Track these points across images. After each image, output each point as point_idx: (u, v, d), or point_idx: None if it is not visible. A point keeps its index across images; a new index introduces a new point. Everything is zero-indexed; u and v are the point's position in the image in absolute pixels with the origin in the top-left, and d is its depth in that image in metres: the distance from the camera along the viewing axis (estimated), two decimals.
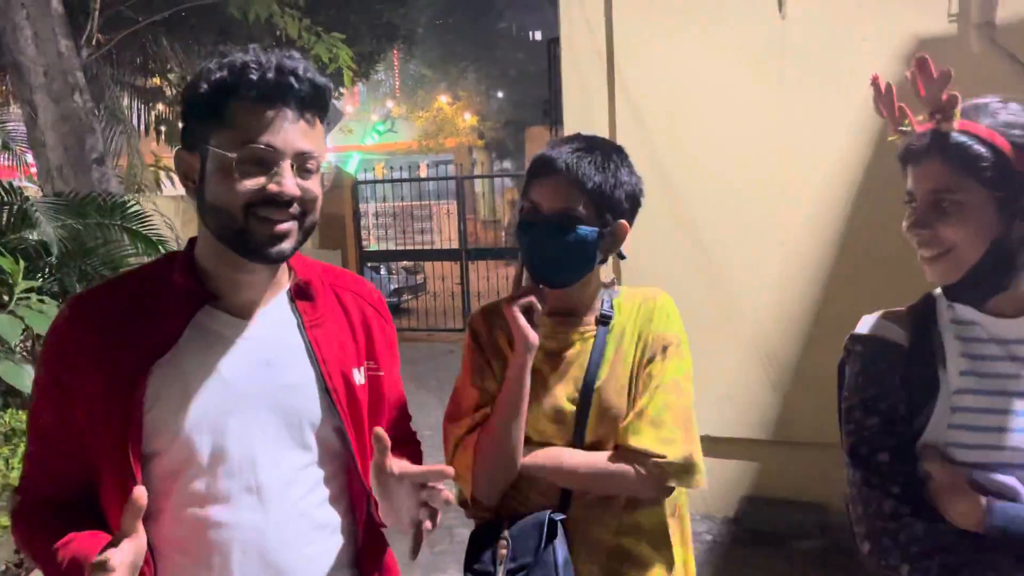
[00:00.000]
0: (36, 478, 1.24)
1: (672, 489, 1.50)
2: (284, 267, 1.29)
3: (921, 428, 1.24)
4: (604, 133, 4.06)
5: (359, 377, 1.30)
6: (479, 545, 1.52)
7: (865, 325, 1.34)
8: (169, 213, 7.35)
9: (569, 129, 4.28)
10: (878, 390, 1.28)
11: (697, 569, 1.66)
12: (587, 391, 1.51)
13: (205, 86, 1.13)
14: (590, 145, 1.50)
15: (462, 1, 22.97)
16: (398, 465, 1.15)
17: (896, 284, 3.58)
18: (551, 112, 4.91)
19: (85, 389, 1.16)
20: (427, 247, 12.45)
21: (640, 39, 4.08)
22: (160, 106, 10.18)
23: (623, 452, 1.48)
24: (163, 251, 4.59)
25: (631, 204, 1.52)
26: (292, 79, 1.13)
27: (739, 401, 4.04)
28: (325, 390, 1.25)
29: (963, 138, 1.18)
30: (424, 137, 26.02)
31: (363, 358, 1.32)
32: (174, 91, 10.31)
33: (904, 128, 1.25)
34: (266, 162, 1.13)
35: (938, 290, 1.32)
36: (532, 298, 1.49)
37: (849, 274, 3.80)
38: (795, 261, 3.92)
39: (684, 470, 1.46)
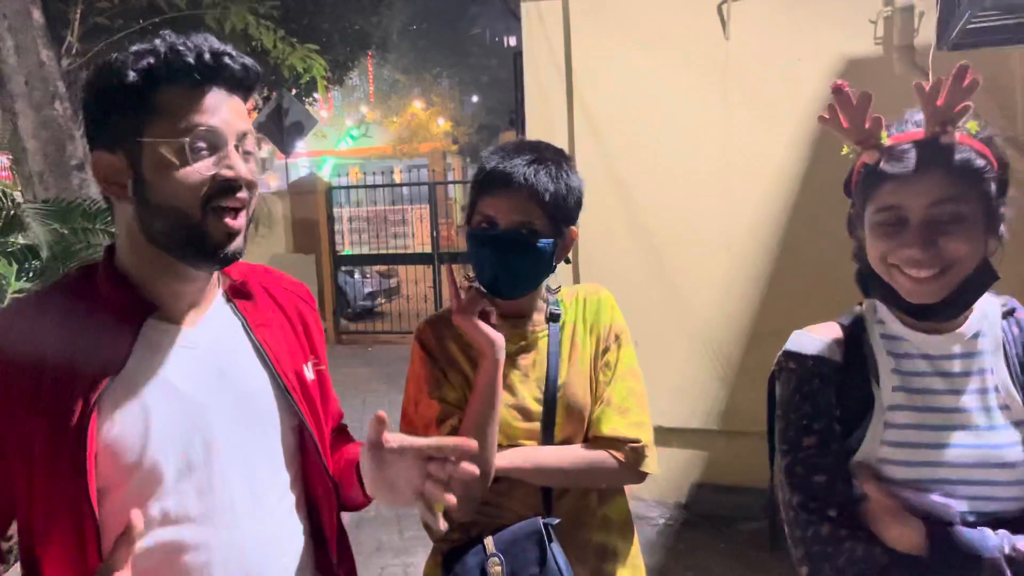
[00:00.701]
0: None
1: (646, 474, 1.51)
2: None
3: (856, 445, 1.22)
4: (564, 143, 4.34)
5: (309, 373, 1.24)
6: (460, 568, 1.44)
7: (797, 342, 1.30)
8: None
9: (532, 136, 4.56)
10: (813, 409, 1.24)
11: (650, 550, 1.69)
12: (551, 389, 1.50)
13: (132, 75, 1.02)
14: (540, 155, 1.47)
15: (435, 8, 23.16)
16: (396, 438, 1.10)
17: (830, 284, 3.91)
18: (516, 121, 5.19)
19: (22, 436, 1.01)
20: (402, 251, 12.65)
21: (597, 57, 4.38)
22: None
23: (598, 442, 1.49)
24: None
25: (578, 208, 1.52)
26: (226, 59, 1.06)
27: (688, 393, 4.33)
28: (283, 391, 1.18)
29: (963, 148, 1.14)
30: (398, 142, 26.16)
31: (307, 354, 1.27)
32: None
33: (880, 142, 1.18)
34: (213, 147, 1.04)
35: (865, 305, 1.31)
36: (487, 305, 1.47)
37: (788, 275, 4.11)
38: (739, 263, 4.23)
39: (652, 453, 1.49)
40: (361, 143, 27.63)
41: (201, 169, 1.03)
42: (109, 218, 4.86)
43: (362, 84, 27.24)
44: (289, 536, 1.20)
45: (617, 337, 1.56)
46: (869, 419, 1.22)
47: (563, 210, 1.47)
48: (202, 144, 1.03)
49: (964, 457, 1.16)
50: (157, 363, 1.08)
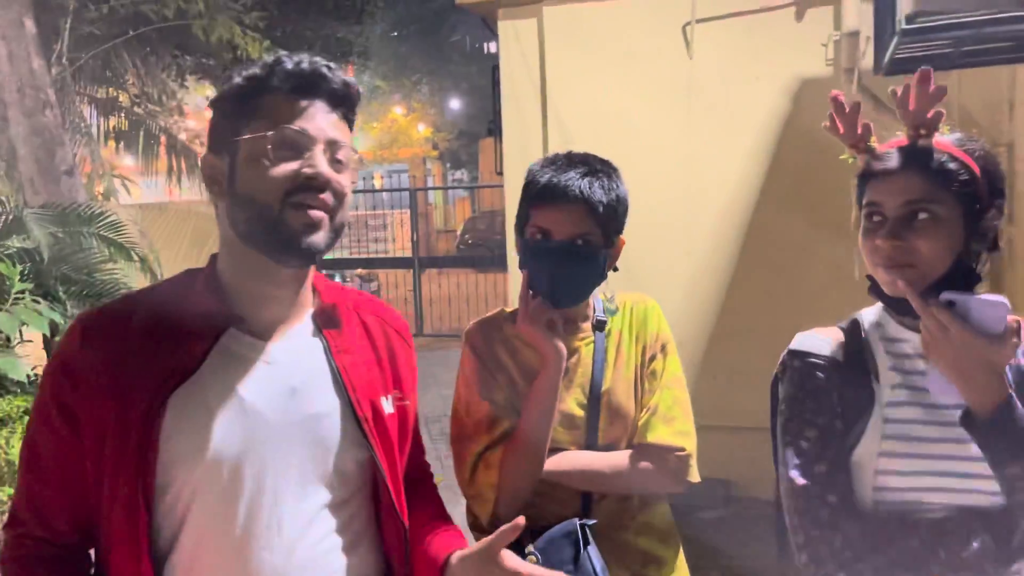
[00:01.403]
0: (26, 515, 1.11)
1: (689, 482, 1.53)
2: (308, 288, 1.21)
3: (856, 440, 1.25)
4: (538, 155, 4.58)
5: (388, 406, 1.21)
6: None
7: (801, 342, 1.34)
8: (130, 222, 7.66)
9: (509, 147, 4.82)
10: (815, 404, 1.28)
11: None
12: (595, 395, 1.51)
13: (238, 81, 1.09)
14: (591, 167, 1.50)
15: (416, 14, 23.33)
16: (512, 560, 1.12)
17: (787, 288, 4.21)
18: (494, 129, 5.45)
19: (96, 417, 1.05)
20: (383, 255, 12.85)
21: (569, 72, 4.65)
22: (117, 116, 10.45)
23: (643, 449, 1.49)
24: (135, 257, 4.99)
25: (626, 217, 1.55)
26: (326, 71, 1.09)
27: None
28: (354, 419, 1.15)
29: (939, 153, 1.19)
30: (379, 148, 26.31)
31: (390, 387, 1.23)
32: (132, 102, 10.60)
33: (869, 146, 1.26)
34: (299, 146, 1.07)
35: (864, 311, 1.35)
36: (553, 315, 1.48)
37: (747, 278, 4.40)
38: (701, 267, 4.52)
39: (695, 462, 1.52)
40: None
41: (285, 167, 1.06)
42: (102, 222, 5.07)
43: None
44: (337, 572, 1.15)
45: (664, 346, 1.58)
46: (870, 415, 1.24)
47: (614, 221, 1.50)
48: (289, 143, 1.07)
49: (963, 452, 1.18)
50: (230, 374, 1.08)
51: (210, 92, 12.81)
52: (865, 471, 1.24)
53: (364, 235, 12.46)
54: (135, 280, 4.88)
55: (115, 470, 1.04)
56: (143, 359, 1.06)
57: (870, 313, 1.33)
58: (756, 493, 4.39)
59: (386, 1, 14.94)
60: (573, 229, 1.45)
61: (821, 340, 1.32)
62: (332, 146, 1.10)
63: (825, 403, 1.28)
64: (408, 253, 11.01)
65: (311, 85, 1.09)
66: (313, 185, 1.07)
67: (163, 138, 9.95)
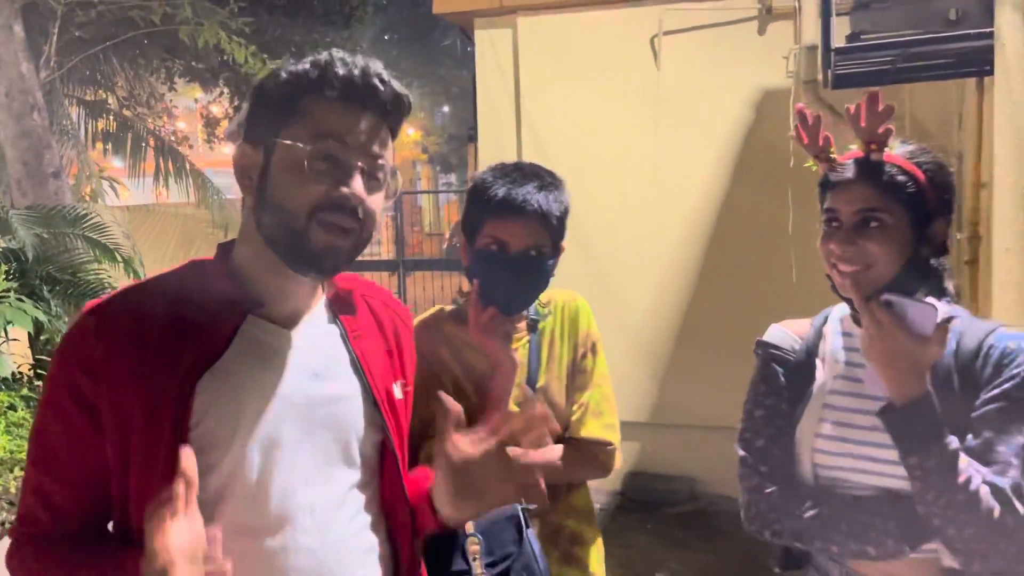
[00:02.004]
0: (36, 511, 1.06)
1: (612, 469, 1.63)
2: None
3: (799, 420, 1.38)
4: (512, 158, 4.75)
5: (398, 392, 1.20)
6: (438, 549, 1.49)
7: (767, 333, 1.48)
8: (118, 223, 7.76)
9: (484, 153, 4.98)
10: (767, 387, 1.43)
11: None
12: (530, 392, 1.58)
13: (284, 76, 1.04)
14: (544, 180, 1.54)
15: (407, 19, 23.46)
16: (484, 438, 1.08)
17: (751, 289, 4.37)
18: (474, 137, 5.60)
19: (120, 408, 1.01)
20: (372, 258, 12.96)
21: (542, 83, 4.81)
22: (105, 119, 10.54)
23: (576, 444, 1.59)
24: (119, 258, 5.10)
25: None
26: (377, 82, 1.04)
27: (624, 389, 4.71)
28: (372, 403, 1.15)
29: (890, 166, 1.29)
30: None
31: (399, 373, 1.23)
32: (120, 105, 10.69)
33: (830, 156, 1.35)
34: (338, 162, 1.03)
35: (836, 307, 1.45)
36: (508, 327, 1.53)
37: (714, 281, 4.56)
38: (670, 271, 4.67)
39: (619, 452, 1.62)
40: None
41: (319, 180, 1.02)
42: (86, 223, 5.19)
43: None
44: (366, 553, 1.14)
45: (594, 345, 1.66)
46: (811, 398, 1.38)
47: (562, 230, 1.57)
48: (327, 155, 1.02)
49: (884, 439, 1.26)
50: (254, 359, 1.06)
51: (199, 95, 12.91)
52: (805, 447, 1.37)
53: None
54: (119, 281, 4.99)
55: (146, 461, 1.01)
56: (166, 347, 1.02)
57: (840, 309, 1.44)
58: (721, 490, 4.54)
59: (376, 6, 15.04)
60: (529, 241, 1.50)
61: (783, 332, 1.46)
62: (371, 163, 1.05)
63: (775, 386, 1.42)
64: (393, 256, 11.14)
65: (362, 95, 1.04)
66: (345, 205, 1.02)
67: (151, 140, 10.05)
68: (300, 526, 1.06)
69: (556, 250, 1.57)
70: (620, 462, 1.65)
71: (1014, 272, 2.14)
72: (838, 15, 3.07)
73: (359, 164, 1.04)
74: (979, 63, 2.30)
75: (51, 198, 6.01)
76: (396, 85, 1.06)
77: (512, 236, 1.50)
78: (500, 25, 4.87)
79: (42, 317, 3.89)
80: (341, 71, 1.02)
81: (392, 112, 1.07)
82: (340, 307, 1.18)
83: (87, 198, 9.57)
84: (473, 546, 1.48)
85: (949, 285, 1.34)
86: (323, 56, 1.04)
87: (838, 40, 3.03)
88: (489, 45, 4.93)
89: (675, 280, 4.68)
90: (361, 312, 1.21)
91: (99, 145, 10.56)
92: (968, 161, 3.75)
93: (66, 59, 7.45)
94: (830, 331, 1.42)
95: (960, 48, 2.71)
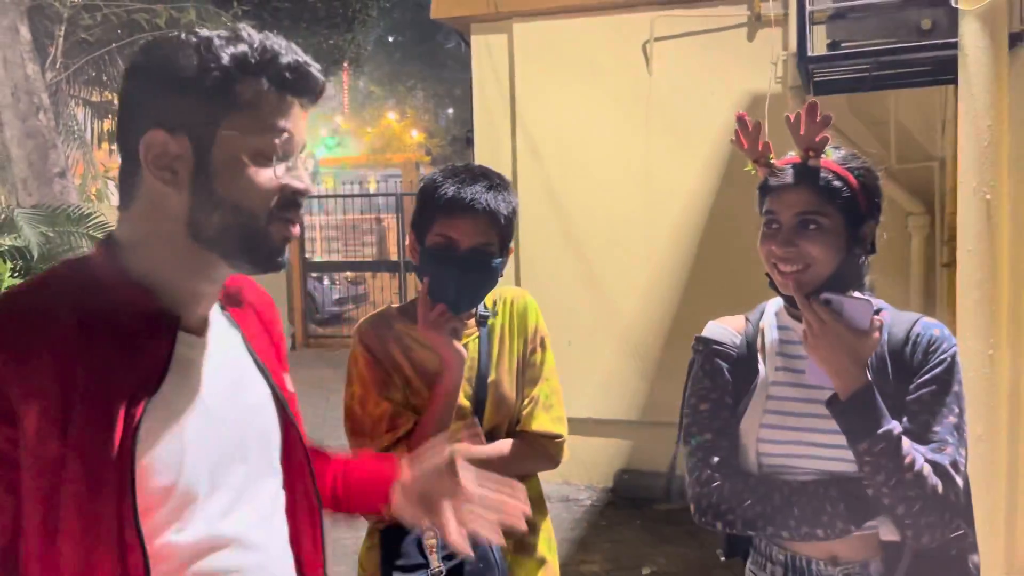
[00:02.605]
0: None
1: (560, 461, 1.67)
2: None
3: (743, 413, 1.44)
4: (508, 163, 4.86)
5: (290, 385, 1.15)
6: (396, 544, 1.52)
7: (707, 329, 1.54)
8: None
9: (480, 155, 5.07)
10: (711, 382, 1.47)
11: (577, 526, 1.98)
12: (481, 386, 1.62)
13: (226, 58, 0.91)
14: (492, 181, 1.58)
15: (410, 21, 23.55)
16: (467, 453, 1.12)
17: (739, 290, 4.44)
18: (471, 139, 5.70)
19: (48, 459, 0.86)
20: (375, 259, 13.07)
21: (537, 88, 4.91)
22: (111, 119, 10.66)
23: (527, 437, 1.64)
24: None
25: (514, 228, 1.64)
26: (315, 71, 0.98)
27: (614, 388, 4.84)
28: (282, 405, 1.10)
29: (826, 171, 1.36)
30: (372, 152, 26.49)
31: (285, 365, 1.18)
32: None
33: (768, 161, 1.41)
34: (288, 156, 0.97)
35: (769, 302, 1.52)
36: (456, 323, 1.57)
37: (703, 282, 4.65)
38: (659, 271, 4.77)
39: (566, 444, 1.66)
40: (335, 153, 27.93)
41: (270, 174, 0.95)
42: (91, 223, 5.29)
43: (337, 95, 27.51)
44: (289, 558, 1.11)
45: (543, 340, 1.70)
46: (753, 391, 1.43)
47: (510, 230, 1.61)
48: (282, 150, 0.96)
49: (827, 425, 1.35)
50: (182, 375, 0.97)
51: None
52: (750, 438, 1.43)
53: (354, 239, 12.69)
54: None
55: (88, 512, 0.87)
56: (92, 377, 0.88)
57: (774, 304, 1.51)
58: None
59: (379, 9, 15.14)
60: (478, 238, 1.54)
61: (723, 328, 1.52)
62: (301, 151, 1.00)
63: (719, 381, 1.46)
64: (395, 257, 11.24)
65: (300, 84, 0.97)
66: (300, 201, 0.98)
67: None
68: (248, 542, 1.01)
69: (504, 250, 1.60)
70: (567, 454, 1.69)
71: (976, 273, 2.23)
72: (819, 24, 3.16)
73: (299, 153, 0.99)
74: (953, 71, 2.39)
75: (56, 198, 6.11)
76: (320, 71, 1.01)
77: (461, 234, 1.54)
78: (496, 30, 4.97)
79: None
80: (285, 60, 0.94)
81: (315, 98, 1.01)
82: (230, 304, 1.11)
83: (92, 198, 9.67)
84: (430, 540, 1.50)
85: (866, 280, 1.43)
86: (256, 39, 0.94)
87: (821, 48, 3.12)
88: (485, 50, 5.03)
89: (665, 280, 4.77)
90: (246, 307, 1.14)
91: (104, 145, 10.67)
92: (950, 166, 3.85)
93: (72, 61, 7.57)
94: (767, 325, 1.49)
95: (933, 57, 2.80)
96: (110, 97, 10.79)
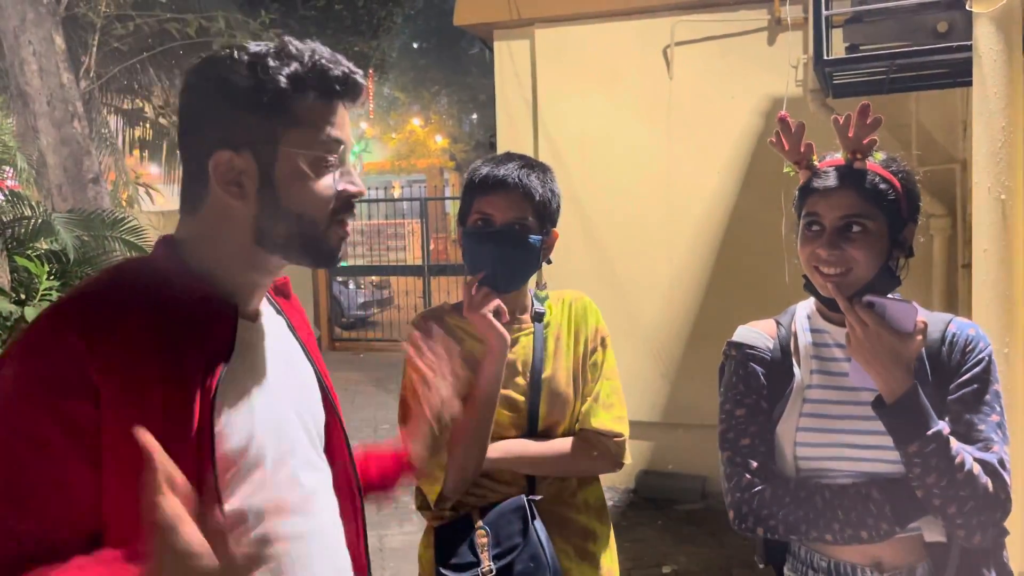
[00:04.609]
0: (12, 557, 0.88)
1: (623, 464, 1.64)
2: None
3: (779, 417, 1.43)
4: None
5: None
6: (449, 542, 1.55)
7: (738, 334, 1.51)
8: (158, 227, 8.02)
9: None
10: (746, 387, 1.46)
11: None
12: (535, 382, 1.61)
13: (283, 80, 0.98)
14: (529, 163, 1.61)
15: (434, 28, 23.73)
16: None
17: (759, 292, 4.51)
18: (495, 143, 5.78)
19: (126, 427, 0.85)
20: (399, 263, 13.19)
21: (558, 92, 4.97)
22: (142, 127, 10.87)
23: (586, 435, 1.61)
24: None
25: (558, 213, 1.65)
26: (359, 79, 1.05)
27: (636, 389, 4.88)
28: (324, 390, 1.19)
29: (872, 174, 1.35)
30: (396, 158, 26.69)
31: (320, 356, 1.24)
32: (156, 114, 11.02)
33: (811, 163, 1.41)
34: (340, 162, 1.04)
35: (800, 304, 1.51)
36: (499, 302, 1.57)
37: (723, 284, 4.69)
38: (680, 273, 4.80)
39: (627, 445, 1.64)
40: (360, 158, 28.16)
41: (330, 182, 1.03)
42: (124, 227, 5.43)
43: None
44: (340, 529, 1.17)
45: (603, 340, 1.69)
46: (791, 395, 1.42)
47: (548, 211, 1.61)
48: (335, 158, 1.03)
49: (866, 427, 1.36)
50: (249, 356, 1.06)
51: None
52: (787, 442, 1.42)
53: (379, 243, 12.82)
54: None
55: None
56: (168, 358, 0.95)
57: (804, 307, 1.50)
58: None
59: (404, 16, 15.29)
60: (512, 213, 1.56)
61: (755, 332, 1.50)
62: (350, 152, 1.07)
63: (754, 386, 1.45)
64: (420, 262, 11.34)
65: (349, 93, 1.04)
66: (354, 204, 1.06)
67: None
68: (309, 510, 1.09)
69: (544, 230, 1.61)
70: (629, 456, 1.66)
71: (991, 272, 2.26)
72: (838, 27, 3.19)
73: (350, 159, 1.06)
74: (970, 73, 2.41)
75: (90, 203, 6.27)
76: (360, 74, 1.06)
77: (496, 209, 1.56)
78: (518, 36, 5.05)
79: None
80: (334, 71, 1.01)
81: (357, 100, 1.07)
82: (278, 295, 1.20)
83: (124, 203, 9.87)
84: (481, 539, 1.51)
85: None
86: (299, 54, 1.01)
87: (840, 52, 3.15)
88: (508, 55, 5.11)
89: (686, 282, 4.81)
90: (292, 299, 1.23)
91: (136, 152, 10.88)
92: (971, 168, 3.85)
93: (105, 70, 7.75)
94: (799, 328, 1.48)
95: (950, 59, 2.82)
96: (141, 105, 11.03)
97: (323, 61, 1.01)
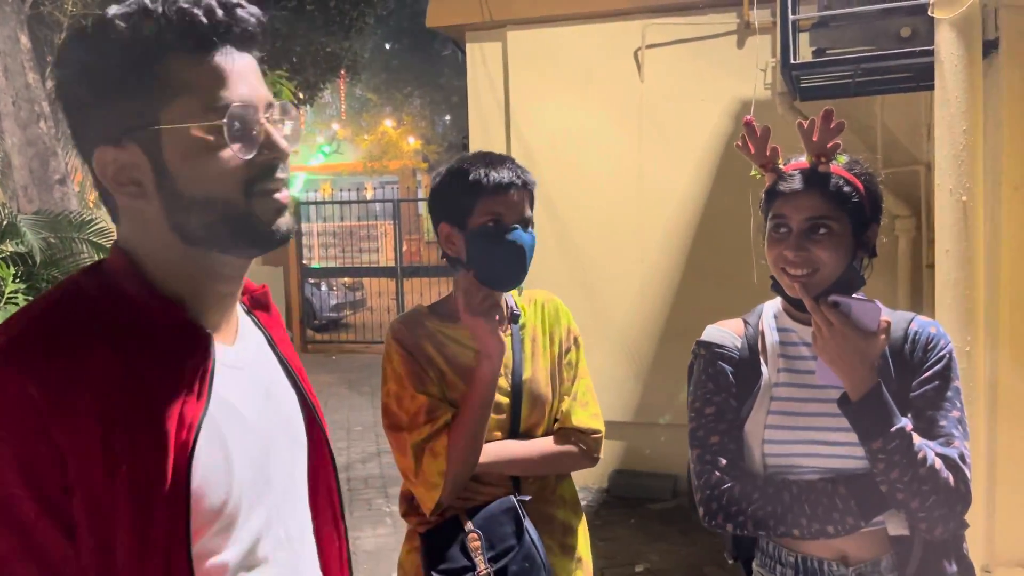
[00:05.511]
0: None
1: (599, 459, 1.69)
2: None
3: (747, 414, 1.46)
4: None
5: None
6: (439, 546, 1.54)
7: (707, 333, 1.55)
8: None
9: None
10: (715, 386, 1.49)
11: None
12: (517, 384, 1.63)
13: (137, 47, 0.80)
14: (514, 161, 1.64)
15: (407, 29, 23.64)
16: None
17: (730, 292, 4.56)
18: (467, 145, 5.79)
19: (100, 497, 0.78)
20: (372, 265, 13.14)
21: (531, 94, 4.99)
22: None
23: (566, 433, 1.65)
24: None
25: None
26: (239, 11, 0.85)
27: (608, 389, 4.91)
28: (313, 414, 1.04)
29: (836, 177, 1.38)
30: (369, 159, 26.57)
31: (302, 368, 1.09)
32: None
33: (777, 166, 1.43)
34: (245, 122, 0.84)
35: (767, 304, 1.54)
36: (500, 305, 1.60)
37: (694, 285, 4.73)
38: (651, 274, 4.85)
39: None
40: (332, 159, 27.99)
41: (239, 151, 0.84)
42: (91, 228, 5.35)
43: (334, 102, 27.59)
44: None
45: (576, 340, 1.73)
46: (758, 393, 1.45)
47: (533, 206, 1.65)
48: (237, 123, 0.83)
49: (832, 424, 1.39)
50: (225, 391, 0.89)
51: None
52: (755, 439, 1.45)
53: (351, 245, 12.77)
54: None
55: (140, 534, 0.80)
56: (140, 401, 0.81)
57: (771, 306, 1.53)
58: None
59: (376, 17, 15.23)
60: (523, 212, 1.60)
61: (724, 332, 1.53)
62: (268, 108, 0.88)
63: (723, 384, 1.48)
64: (392, 263, 11.31)
65: (225, 32, 0.84)
66: (275, 166, 0.88)
67: None
68: (286, 560, 0.96)
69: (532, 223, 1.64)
70: (602, 452, 1.71)
71: (953, 272, 2.31)
72: (805, 32, 3.25)
73: (262, 114, 0.86)
74: (933, 77, 2.47)
75: (57, 204, 6.18)
76: (249, 4, 0.87)
77: (508, 210, 1.57)
78: (490, 38, 5.06)
79: None
80: (198, 15, 0.81)
81: (255, 38, 0.87)
82: (256, 308, 1.04)
83: (92, 205, 9.73)
84: (474, 542, 1.52)
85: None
86: (148, 2, 0.81)
87: (808, 56, 3.21)
88: (480, 57, 5.12)
89: (657, 283, 4.85)
90: (272, 311, 1.07)
91: None
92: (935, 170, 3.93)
93: None
94: (767, 327, 1.51)
95: (914, 63, 2.88)
96: None
97: (182, 5, 0.81)
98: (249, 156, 0.84)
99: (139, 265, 0.89)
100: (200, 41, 0.82)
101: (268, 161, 0.86)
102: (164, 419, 0.82)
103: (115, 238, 0.92)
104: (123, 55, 0.80)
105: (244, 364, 0.94)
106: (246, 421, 0.91)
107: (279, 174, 0.88)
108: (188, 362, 0.86)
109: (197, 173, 0.84)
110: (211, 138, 0.83)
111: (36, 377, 0.77)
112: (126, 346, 0.82)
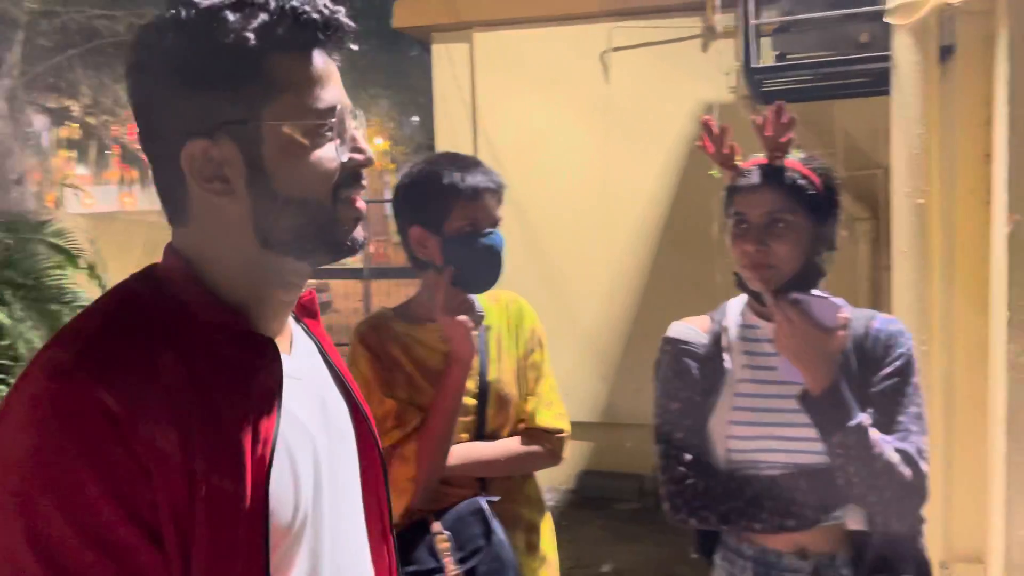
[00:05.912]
0: None
1: (563, 458, 1.70)
2: None
3: (711, 411, 1.46)
4: None
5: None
6: (405, 548, 1.50)
7: (672, 330, 1.55)
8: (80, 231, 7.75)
9: None
10: (680, 382, 1.49)
11: None
12: (483, 385, 1.63)
13: (252, 38, 0.77)
14: (483, 163, 1.65)
15: (374, 30, 23.47)
16: None
17: (696, 292, 4.60)
18: (433, 146, 5.79)
19: (180, 503, 0.74)
20: (338, 266, 13.04)
21: (498, 95, 5.01)
22: (69, 126, 10.53)
23: (532, 433, 1.65)
24: (83, 264, 5.14)
25: None
26: (339, 16, 0.83)
27: (575, 390, 4.91)
28: (367, 426, 1.00)
29: (791, 171, 1.40)
30: None
31: (352, 378, 1.05)
32: (84, 112, 10.68)
33: (734, 164, 1.45)
34: (342, 127, 0.84)
35: (732, 301, 1.55)
36: (477, 307, 1.60)
37: (660, 285, 4.78)
38: (619, 276, 4.89)
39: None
40: None
41: (332, 154, 0.83)
42: (49, 229, 5.23)
43: None
44: None
45: (540, 340, 1.73)
46: (722, 388, 1.46)
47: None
48: (337, 124, 0.83)
49: (794, 419, 1.39)
50: (290, 404, 0.85)
51: None
52: (719, 435, 1.45)
53: None
54: (83, 286, 5.04)
55: (222, 556, 0.76)
56: (212, 414, 0.77)
57: (736, 303, 1.53)
58: None
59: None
60: (496, 216, 1.61)
61: (689, 328, 1.54)
62: (351, 114, 0.86)
63: (688, 380, 1.49)
64: (359, 264, 11.23)
65: (328, 35, 0.83)
66: (361, 174, 0.86)
67: (116, 148, 10.07)
68: (363, 571, 0.95)
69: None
70: (568, 451, 1.72)
71: (909, 273, 2.36)
72: (768, 36, 3.30)
73: (350, 119, 0.85)
74: (889, 82, 2.52)
75: (13, 204, 6.05)
76: (345, 15, 0.84)
77: (484, 214, 1.58)
78: (457, 40, 5.06)
79: (5, 320, 3.96)
80: (311, 14, 0.80)
81: (344, 45, 0.85)
82: (304, 315, 1.00)
83: (51, 205, 9.55)
84: (443, 543, 1.52)
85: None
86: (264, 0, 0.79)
87: (771, 60, 3.26)
88: (446, 59, 5.12)
89: (624, 284, 4.89)
90: (319, 318, 1.03)
91: (63, 152, 10.54)
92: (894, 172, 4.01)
93: (30, 67, 7.49)
94: (732, 323, 1.52)
95: (872, 68, 2.94)
96: (68, 104, 10.68)
97: (294, 3, 0.79)
98: (345, 159, 0.83)
99: (199, 270, 0.85)
100: (308, 40, 0.81)
101: (356, 166, 0.85)
102: (239, 433, 0.78)
103: (73, 238, 0.86)
104: (230, 47, 0.77)
105: (302, 374, 0.91)
106: (308, 433, 0.87)
107: (363, 181, 0.87)
108: (259, 373, 0.82)
109: (294, 173, 0.81)
110: (307, 140, 0.81)
111: (110, 386, 0.72)
112: (191, 354, 0.78)
